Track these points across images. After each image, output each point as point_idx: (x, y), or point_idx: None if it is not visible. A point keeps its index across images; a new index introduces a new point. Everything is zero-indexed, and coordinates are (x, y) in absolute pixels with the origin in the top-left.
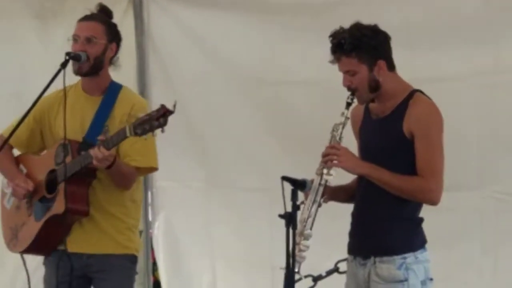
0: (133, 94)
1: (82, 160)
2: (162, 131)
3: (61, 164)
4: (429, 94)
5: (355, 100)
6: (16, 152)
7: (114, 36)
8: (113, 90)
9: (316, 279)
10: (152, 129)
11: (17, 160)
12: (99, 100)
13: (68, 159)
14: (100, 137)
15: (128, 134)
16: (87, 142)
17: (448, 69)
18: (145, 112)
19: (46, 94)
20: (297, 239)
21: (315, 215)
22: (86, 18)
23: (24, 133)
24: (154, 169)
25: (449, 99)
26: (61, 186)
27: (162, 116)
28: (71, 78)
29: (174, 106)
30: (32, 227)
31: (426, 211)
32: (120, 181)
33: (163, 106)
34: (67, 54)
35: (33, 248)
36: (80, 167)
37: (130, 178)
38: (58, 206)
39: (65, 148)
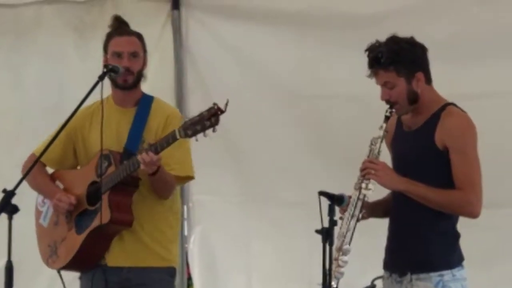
0: (166, 105)
1: (128, 166)
2: (214, 130)
3: (103, 175)
4: (469, 109)
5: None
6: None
7: (145, 49)
8: (146, 101)
9: None
10: (204, 129)
11: (52, 177)
12: (132, 111)
13: (111, 169)
14: (148, 142)
15: (178, 137)
16: (128, 152)
17: (489, 84)
18: (179, 122)
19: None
20: (335, 254)
21: (354, 229)
22: (125, 33)
23: (57, 150)
24: (190, 178)
25: (489, 114)
26: (105, 196)
27: (213, 115)
28: (106, 91)
29: (226, 105)
30: (73, 241)
31: (464, 228)
32: (162, 189)
33: (214, 105)
34: (105, 66)
35: (73, 263)
36: (126, 174)
37: (171, 186)
38: (103, 216)
39: (106, 158)
